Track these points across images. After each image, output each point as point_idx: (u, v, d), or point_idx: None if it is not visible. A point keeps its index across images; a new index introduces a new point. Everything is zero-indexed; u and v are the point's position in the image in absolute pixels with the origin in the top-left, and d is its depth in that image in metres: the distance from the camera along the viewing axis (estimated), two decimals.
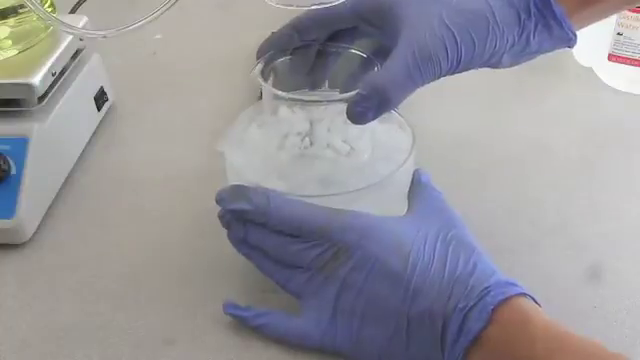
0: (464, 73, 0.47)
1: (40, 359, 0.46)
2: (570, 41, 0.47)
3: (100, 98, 0.66)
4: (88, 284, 0.51)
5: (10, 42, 0.57)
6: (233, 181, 0.50)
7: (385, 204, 0.49)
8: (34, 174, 0.54)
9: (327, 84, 0.53)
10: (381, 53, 0.50)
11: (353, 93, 0.45)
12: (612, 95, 0.69)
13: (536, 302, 0.42)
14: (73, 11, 0.78)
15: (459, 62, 0.45)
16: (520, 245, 0.52)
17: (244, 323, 0.46)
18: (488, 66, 0.47)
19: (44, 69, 0.56)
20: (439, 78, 0.45)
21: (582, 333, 0.39)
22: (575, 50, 0.73)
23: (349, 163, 0.49)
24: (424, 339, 0.41)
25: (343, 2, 0.44)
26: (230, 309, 0.46)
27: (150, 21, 0.47)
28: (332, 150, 0.49)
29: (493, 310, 0.40)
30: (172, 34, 0.80)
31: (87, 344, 0.46)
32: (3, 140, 0.54)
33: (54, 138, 0.57)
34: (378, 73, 0.46)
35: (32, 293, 0.50)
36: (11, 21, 0.57)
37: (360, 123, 0.45)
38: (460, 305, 0.41)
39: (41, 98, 0.56)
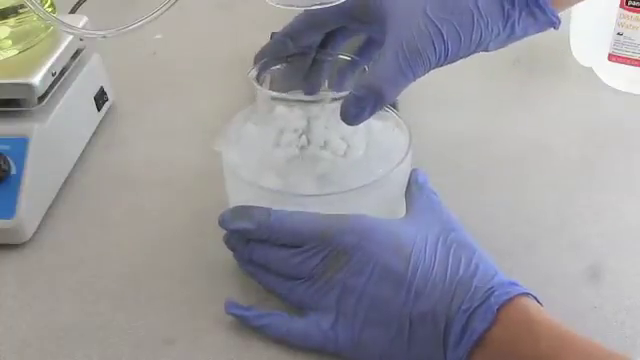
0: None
1: (40, 359, 0.46)
2: (554, 24, 0.47)
3: (100, 98, 0.66)
4: (88, 284, 0.51)
5: (10, 42, 0.57)
6: (230, 180, 0.50)
7: (382, 203, 0.49)
8: (34, 174, 0.54)
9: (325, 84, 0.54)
10: (372, 47, 0.52)
11: (348, 92, 0.46)
12: (612, 95, 0.69)
13: (538, 302, 0.42)
14: (73, 11, 0.78)
15: (447, 55, 0.45)
16: (520, 245, 0.52)
17: (246, 323, 0.46)
18: (475, 53, 0.47)
19: (44, 69, 0.56)
20: (429, 71, 0.45)
21: (582, 333, 0.39)
22: (575, 50, 0.73)
23: (346, 161, 0.49)
24: (426, 340, 0.41)
25: (343, 2, 0.45)
26: (232, 309, 0.46)
27: (150, 21, 0.47)
28: (329, 148, 0.49)
29: (497, 310, 0.40)
30: (172, 34, 0.80)
31: (87, 344, 0.46)
32: (3, 140, 0.54)
33: (54, 138, 0.57)
34: (370, 72, 0.46)
35: (32, 293, 0.50)
36: (11, 21, 0.57)
37: (355, 123, 0.46)
38: (464, 307, 0.41)
39: (41, 98, 0.56)
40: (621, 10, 0.66)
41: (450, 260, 0.43)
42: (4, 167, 0.53)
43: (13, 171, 0.54)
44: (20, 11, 0.57)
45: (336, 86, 0.52)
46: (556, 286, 0.49)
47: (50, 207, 0.57)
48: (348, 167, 0.49)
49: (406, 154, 0.49)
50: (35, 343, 0.47)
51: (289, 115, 0.50)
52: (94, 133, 0.65)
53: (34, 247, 0.54)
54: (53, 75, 0.57)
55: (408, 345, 0.42)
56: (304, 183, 0.48)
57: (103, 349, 0.46)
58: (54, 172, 0.58)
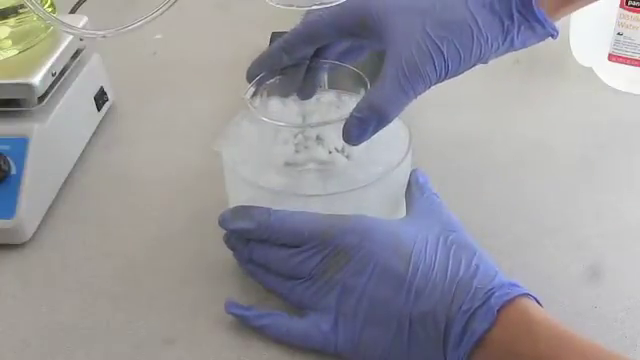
0: (465, 74, 0.47)
1: (40, 359, 0.46)
2: (552, 35, 0.47)
3: (100, 98, 0.66)
4: (88, 284, 0.51)
5: (10, 42, 0.57)
6: (230, 180, 0.50)
7: (382, 202, 0.49)
8: (34, 174, 0.54)
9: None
10: (361, 51, 0.52)
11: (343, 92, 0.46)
12: (612, 95, 0.69)
13: (538, 302, 0.42)
14: (73, 11, 0.78)
15: (447, 72, 0.45)
16: (520, 245, 0.52)
17: (246, 323, 0.46)
18: (473, 66, 0.47)
19: (44, 69, 0.56)
20: (430, 88, 0.46)
21: (582, 333, 0.39)
22: (575, 50, 0.73)
23: (344, 160, 0.49)
24: (426, 341, 0.41)
25: (341, 3, 0.45)
26: (232, 308, 0.46)
27: (149, 21, 0.47)
28: (326, 143, 0.49)
29: (497, 311, 0.40)
30: (172, 34, 0.80)
31: (87, 344, 0.46)
32: (3, 140, 0.54)
33: (54, 138, 0.57)
34: (372, 93, 0.46)
35: (32, 293, 0.50)
36: (11, 21, 0.57)
37: (358, 143, 0.46)
38: (464, 307, 0.41)
39: (41, 98, 0.56)
40: (621, 10, 0.66)
41: (450, 261, 0.43)
42: (4, 167, 0.53)
43: (13, 171, 0.54)
44: (20, 11, 0.57)
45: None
46: (556, 286, 0.49)
47: (50, 207, 0.57)
48: (348, 167, 0.49)
49: (406, 154, 0.49)
50: (35, 343, 0.47)
51: (284, 112, 0.50)
52: (94, 133, 0.65)
53: (34, 247, 0.54)
54: (53, 75, 0.57)
55: (408, 345, 0.42)
56: (305, 183, 0.48)
57: (103, 349, 0.46)
58: (54, 172, 0.58)
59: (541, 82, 0.71)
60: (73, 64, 0.62)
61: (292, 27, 0.50)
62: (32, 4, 0.47)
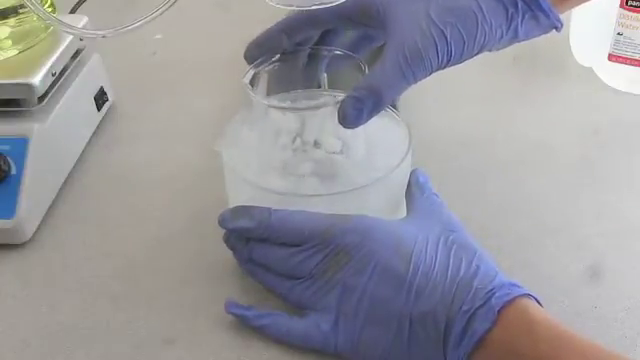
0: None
1: (40, 359, 0.46)
2: (557, 27, 0.47)
3: (100, 98, 0.66)
4: (88, 284, 0.51)
5: (10, 42, 0.57)
6: (230, 180, 0.50)
7: (383, 203, 0.49)
8: (34, 174, 0.54)
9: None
10: (367, 42, 0.52)
11: (342, 95, 0.46)
12: (612, 95, 0.69)
13: (539, 302, 0.42)
14: (73, 11, 0.78)
15: (449, 58, 0.45)
16: (520, 245, 0.52)
17: (246, 323, 0.46)
18: (476, 54, 0.47)
19: (44, 69, 0.56)
20: (431, 74, 0.46)
21: (582, 333, 0.39)
22: (575, 50, 0.73)
23: (344, 161, 0.49)
24: (426, 341, 0.41)
25: (343, 2, 0.45)
26: (232, 308, 0.46)
27: (149, 21, 0.47)
28: (324, 148, 0.49)
29: (498, 312, 0.40)
30: (172, 34, 0.80)
31: (87, 344, 0.46)
32: (3, 140, 0.54)
33: (54, 138, 0.57)
34: (371, 75, 0.46)
35: (32, 293, 0.50)
36: (11, 21, 0.57)
37: (354, 125, 0.45)
38: (465, 307, 0.41)
39: (41, 98, 0.56)
40: (621, 10, 0.66)
41: (451, 261, 0.43)
42: (4, 167, 0.53)
43: (13, 171, 0.54)
44: (20, 11, 0.57)
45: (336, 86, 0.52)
46: (556, 286, 0.49)
47: (50, 207, 0.57)
48: (348, 168, 0.48)
49: (406, 154, 0.49)
50: (35, 343, 0.47)
51: (283, 119, 0.49)
52: (94, 133, 0.65)
53: (34, 247, 0.54)
54: (53, 75, 0.57)
55: (408, 345, 0.42)
56: (305, 184, 0.48)
57: (103, 349, 0.46)
58: (54, 172, 0.58)
59: (541, 82, 0.71)
60: (73, 64, 0.62)
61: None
62: (32, 4, 0.47)
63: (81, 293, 0.50)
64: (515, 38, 0.47)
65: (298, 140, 0.49)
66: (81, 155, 0.62)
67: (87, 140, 0.64)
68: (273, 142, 0.49)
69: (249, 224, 0.46)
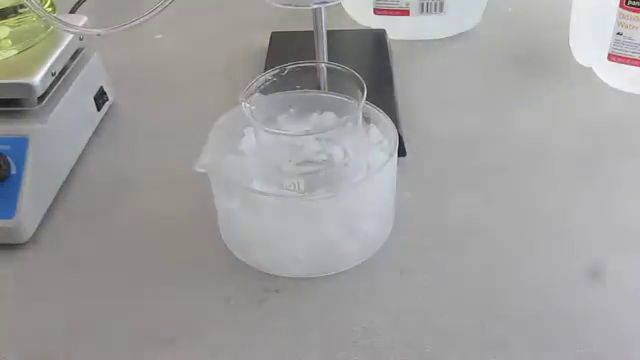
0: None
1: (40, 359, 0.46)
2: None
3: (100, 98, 0.66)
4: (88, 284, 0.51)
5: (10, 42, 0.57)
6: (220, 190, 0.50)
7: (372, 200, 0.50)
8: (34, 174, 0.54)
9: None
10: None
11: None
12: (612, 95, 0.69)
13: None
14: (73, 11, 0.78)
15: None
16: (520, 245, 0.52)
17: None
18: None
19: (44, 69, 0.56)
20: None
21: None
22: (575, 50, 0.73)
23: (332, 163, 0.50)
24: None
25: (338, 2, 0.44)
26: None
27: (147, 19, 0.47)
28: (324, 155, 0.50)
29: None
30: (172, 34, 0.80)
31: (87, 344, 0.46)
32: (3, 140, 0.54)
33: (54, 138, 0.57)
34: None
35: (32, 293, 0.50)
36: (11, 21, 0.57)
37: None
38: None
39: (41, 98, 0.56)
40: (621, 10, 0.66)
41: None
42: (4, 167, 0.53)
43: (13, 171, 0.54)
44: (20, 11, 0.57)
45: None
46: (556, 286, 0.49)
47: (50, 207, 0.57)
48: (336, 170, 0.49)
49: (392, 153, 0.50)
50: (35, 343, 0.47)
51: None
52: (94, 133, 0.65)
53: (34, 247, 0.54)
54: (53, 75, 0.57)
55: None
56: (292, 186, 0.48)
57: (103, 349, 0.46)
58: (54, 172, 0.58)
59: (541, 82, 0.71)
60: (73, 64, 0.62)
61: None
62: (31, 3, 0.47)
63: (81, 293, 0.50)
64: None
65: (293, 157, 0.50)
66: (81, 155, 0.62)
67: (87, 140, 0.64)
68: (268, 155, 0.50)
69: None
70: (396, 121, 0.56)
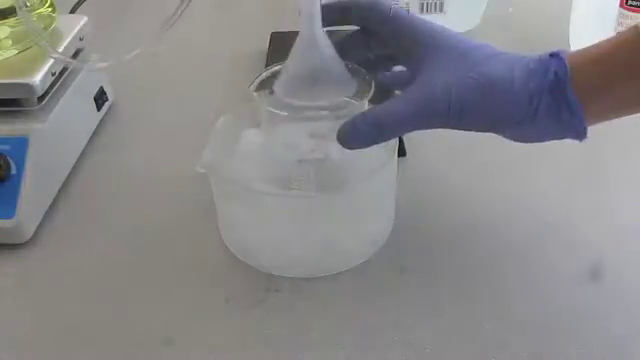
0: None
1: (40, 359, 0.46)
2: (579, 133, 0.46)
3: (100, 98, 0.66)
4: (88, 284, 0.51)
5: (10, 42, 0.57)
6: (222, 192, 0.50)
7: (375, 199, 0.50)
8: (34, 174, 0.54)
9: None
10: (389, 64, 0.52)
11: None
12: None
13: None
14: (73, 11, 0.78)
15: (459, 121, 0.46)
16: (520, 244, 0.52)
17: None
18: (486, 131, 0.48)
19: (44, 69, 0.56)
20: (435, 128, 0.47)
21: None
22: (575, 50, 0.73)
23: (333, 161, 0.49)
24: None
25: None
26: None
27: (143, 51, 0.47)
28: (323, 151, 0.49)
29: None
30: (172, 34, 0.80)
31: (87, 344, 0.46)
32: (3, 140, 0.54)
33: (54, 138, 0.57)
34: (383, 110, 0.46)
35: (32, 293, 0.50)
36: (11, 21, 0.57)
37: (351, 148, 0.46)
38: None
39: (41, 98, 0.56)
40: (621, 10, 0.66)
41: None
42: (4, 167, 0.53)
43: (13, 171, 0.53)
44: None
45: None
46: (556, 286, 0.49)
47: (50, 207, 0.57)
48: (338, 168, 0.49)
49: (394, 152, 0.50)
50: (35, 343, 0.47)
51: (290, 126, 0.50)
52: (94, 133, 0.65)
53: (34, 247, 0.54)
54: (53, 75, 0.57)
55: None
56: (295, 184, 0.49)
57: (103, 349, 0.46)
58: (54, 172, 0.58)
59: None
60: (73, 64, 0.62)
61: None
62: (38, 37, 0.48)
63: (81, 293, 0.50)
64: (533, 128, 0.46)
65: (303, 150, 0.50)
66: (81, 155, 0.62)
67: (87, 140, 0.64)
68: (276, 152, 0.50)
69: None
70: None
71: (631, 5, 0.65)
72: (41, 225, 0.55)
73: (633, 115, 0.46)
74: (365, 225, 0.51)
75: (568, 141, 0.64)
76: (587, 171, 0.60)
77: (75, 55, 0.63)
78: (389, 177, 0.51)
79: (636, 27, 0.42)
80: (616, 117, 0.46)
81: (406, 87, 0.46)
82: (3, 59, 0.57)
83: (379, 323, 0.47)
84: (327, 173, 0.49)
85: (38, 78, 0.55)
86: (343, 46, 0.50)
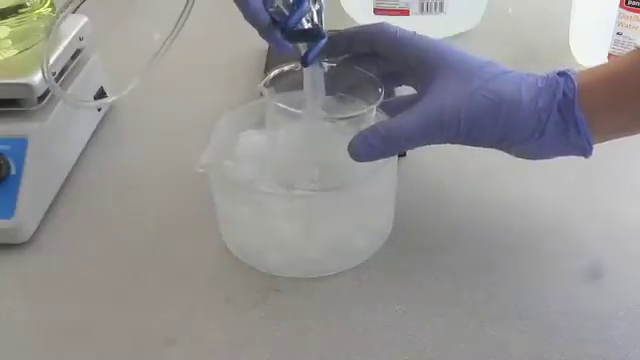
0: None
1: (40, 359, 0.46)
2: (585, 151, 0.47)
3: (100, 98, 0.66)
4: (88, 284, 0.51)
5: (10, 42, 0.57)
6: (221, 192, 0.50)
7: (375, 198, 0.50)
8: (34, 174, 0.54)
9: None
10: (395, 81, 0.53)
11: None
12: None
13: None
14: (73, 11, 0.78)
15: (467, 137, 0.47)
16: (520, 245, 0.52)
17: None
18: (493, 147, 0.48)
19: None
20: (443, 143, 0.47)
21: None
22: (575, 50, 0.73)
23: (335, 161, 0.50)
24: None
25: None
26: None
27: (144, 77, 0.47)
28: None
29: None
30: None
31: (87, 344, 0.46)
32: (3, 140, 0.54)
33: (54, 138, 0.57)
34: (393, 125, 0.47)
35: (32, 293, 0.50)
36: (11, 21, 0.57)
37: (362, 161, 0.47)
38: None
39: (41, 98, 0.56)
40: (621, 10, 0.66)
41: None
42: (4, 167, 0.53)
43: (13, 171, 0.53)
44: (20, 11, 0.57)
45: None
46: (556, 286, 0.49)
47: (50, 207, 0.57)
48: (339, 168, 0.49)
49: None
50: (35, 343, 0.47)
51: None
52: (94, 133, 0.65)
53: (34, 247, 0.54)
54: (53, 75, 0.57)
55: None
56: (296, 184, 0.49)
57: (103, 349, 0.46)
58: (54, 172, 0.58)
59: None
60: (73, 64, 0.62)
61: None
62: (57, 91, 0.50)
63: (81, 293, 0.50)
64: (540, 145, 0.47)
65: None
66: (81, 155, 0.62)
67: (87, 140, 0.64)
68: (274, 146, 0.50)
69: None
70: None
71: (631, 5, 0.65)
72: (41, 225, 0.55)
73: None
74: (365, 225, 0.51)
75: None
76: (587, 172, 0.60)
77: (75, 55, 0.62)
78: (389, 177, 0.51)
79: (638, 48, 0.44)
80: (622, 136, 0.47)
81: (413, 105, 0.47)
82: (3, 59, 0.57)
83: (379, 323, 0.47)
84: (329, 173, 0.49)
85: (38, 78, 0.55)
86: (351, 66, 0.51)
